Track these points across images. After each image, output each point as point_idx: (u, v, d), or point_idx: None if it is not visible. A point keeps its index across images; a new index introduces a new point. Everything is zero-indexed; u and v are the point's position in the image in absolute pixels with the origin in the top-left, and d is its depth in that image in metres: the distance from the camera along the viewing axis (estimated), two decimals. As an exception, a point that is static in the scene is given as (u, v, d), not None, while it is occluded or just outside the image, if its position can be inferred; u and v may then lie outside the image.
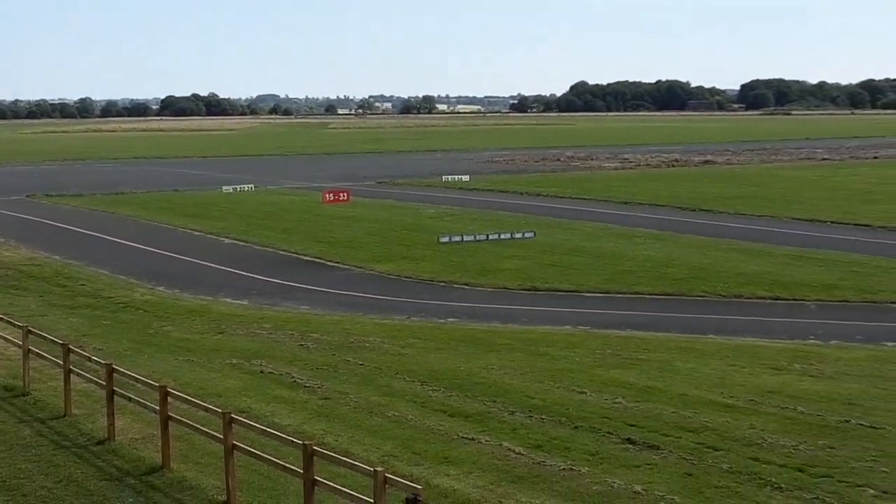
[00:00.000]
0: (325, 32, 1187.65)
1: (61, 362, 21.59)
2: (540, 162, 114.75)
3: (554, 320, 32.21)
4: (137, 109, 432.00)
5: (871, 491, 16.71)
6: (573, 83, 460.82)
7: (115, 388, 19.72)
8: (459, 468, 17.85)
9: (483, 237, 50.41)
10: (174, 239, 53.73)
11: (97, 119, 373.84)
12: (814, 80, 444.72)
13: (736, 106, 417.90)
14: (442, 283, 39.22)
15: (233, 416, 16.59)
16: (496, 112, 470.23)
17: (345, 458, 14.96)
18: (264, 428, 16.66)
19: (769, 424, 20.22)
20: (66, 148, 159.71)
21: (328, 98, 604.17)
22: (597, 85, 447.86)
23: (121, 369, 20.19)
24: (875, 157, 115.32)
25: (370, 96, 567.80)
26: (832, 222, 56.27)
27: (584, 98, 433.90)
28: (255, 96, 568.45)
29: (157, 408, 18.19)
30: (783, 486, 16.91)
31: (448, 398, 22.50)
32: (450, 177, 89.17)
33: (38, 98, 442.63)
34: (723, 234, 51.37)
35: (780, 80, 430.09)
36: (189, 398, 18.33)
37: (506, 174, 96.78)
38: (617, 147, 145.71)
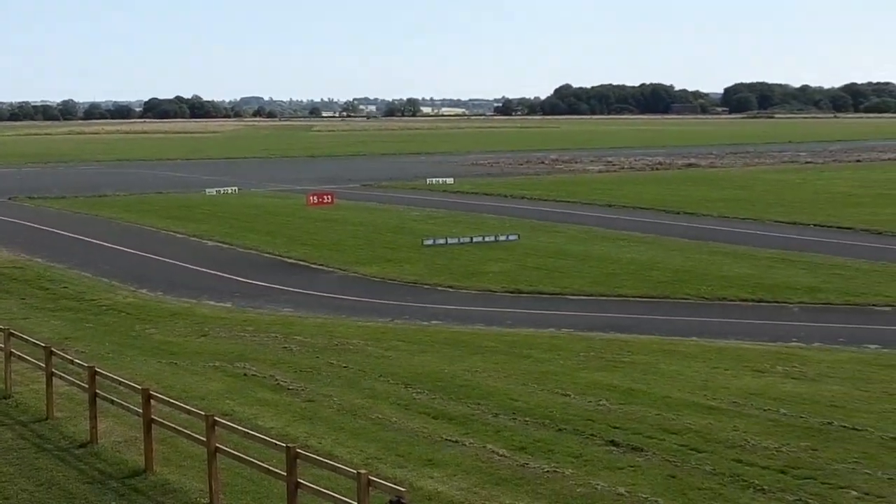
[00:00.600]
0: (309, 35, 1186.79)
1: (43, 365, 21.52)
2: (524, 165, 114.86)
3: (538, 323, 32.23)
4: (121, 112, 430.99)
5: (854, 492, 16.78)
6: (557, 86, 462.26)
7: (97, 391, 19.66)
8: (443, 470, 17.85)
9: (467, 240, 50.43)
10: (157, 241, 53.57)
11: (80, 121, 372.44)
12: (797, 84, 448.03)
13: (719, 109, 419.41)
14: (426, 286, 39.20)
15: (216, 418, 16.55)
16: (480, 115, 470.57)
17: (328, 461, 14.94)
18: (248, 430, 16.63)
19: (752, 426, 20.28)
20: (49, 150, 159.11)
21: (312, 101, 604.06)
22: (581, 88, 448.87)
23: (103, 372, 20.12)
24: (858, 161, 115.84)
25: (354, 99, 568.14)
26: (815, 225, 56.49)
27: (568, 101, 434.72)
28: (238, 99, 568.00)
29: (140, 410, 18.14)
30: (766, 487, 16.96)
31: (432, 400, 22.49)
32: (434, 179, 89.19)
33: (20, 100, 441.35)
34: (706, 237, 51.50)
35: (764, 84, 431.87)
36: (172, 401, 18.28)
37: (490, 177, 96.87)
38: (601, 150, 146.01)
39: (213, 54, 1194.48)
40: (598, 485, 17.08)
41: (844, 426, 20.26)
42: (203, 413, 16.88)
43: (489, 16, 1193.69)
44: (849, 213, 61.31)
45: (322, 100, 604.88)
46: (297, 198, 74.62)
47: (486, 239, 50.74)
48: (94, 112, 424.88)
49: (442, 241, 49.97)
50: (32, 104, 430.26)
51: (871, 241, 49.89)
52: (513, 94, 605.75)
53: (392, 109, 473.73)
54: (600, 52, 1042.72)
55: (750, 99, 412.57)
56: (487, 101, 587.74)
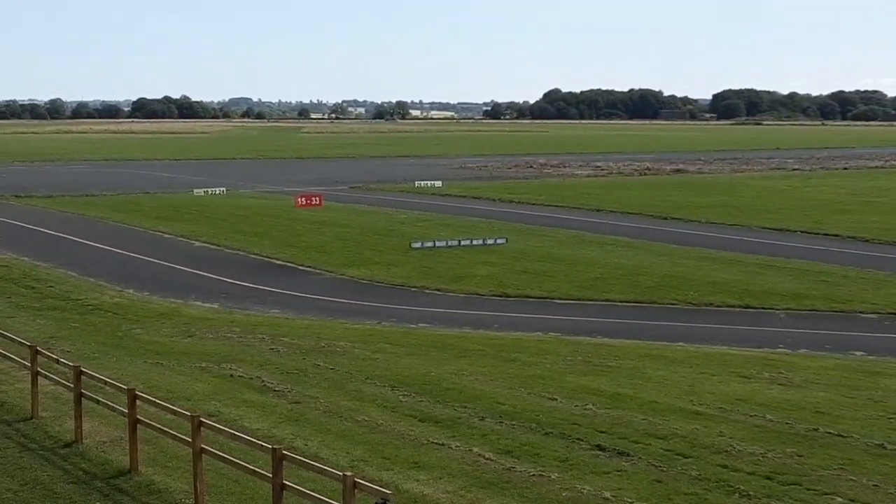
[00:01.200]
0: (299, 36, 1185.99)
1: (29, 364, 21.41)
2: (513, 169, 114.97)
3: (525, 326, 32.24)
4: (109, 111, 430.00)
5: (839, 499, 16.81)
6: (546, 90, 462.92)
7: (83, 391, 19.59)
8: (429, 473, 17.83)
9: (455, 243, 50.43)
10: (144, 241, 53.44)
11: (68, 120, 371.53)
12: (785, 91, 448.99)
13: (708, 115, 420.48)
14: (413, 289, 39.19)
15: (202, 419, 16.50)
16: (469, 118, 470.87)
17: (314, 463, 14.91)
18: (233, 432, 16.59)
19: (738, 432, 20.32)
20: (36, 149, 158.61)
21: (301, 102, 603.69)
22: (570, 93, 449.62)
23: (89, 372, 20.05)
24: (845, 168, 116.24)
25: (343, 101, 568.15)
26: (802, 232, 56.66)
27: (557, 105, 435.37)
28: (227, 99, 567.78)
29: (126, 411, 18.07)
30: (752, 493, 16.98)
31: (418, 403, 22.47)
32: (423, 182, 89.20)
33: (7, 98, 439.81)
34: (694, 243, 51.61)
35: (752, 91, 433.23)
36: (158, 401, 18.22)
37: (478, 180, 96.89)
38: (589, 155, 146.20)
39: (202, 55, 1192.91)
40: (583, 489, 17.08)
41: (830, 432, 20.31)
42: (189, 414, 16.83)
43: (479, 19, 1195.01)
44: (836, 220, 61.50)
45: (311, 101, 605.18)
46: (286, 199, 74.53)
47: (474, 242, 50.74)
48: (81, 111, 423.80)
49: (430, 243, 49.96)
50: (20, 103, 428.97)
51: (858, 249, 50.07)
52: (502, 98, 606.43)
53: (381, 112, 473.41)
54: (590, 58, 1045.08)
55: (738, 105, 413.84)
56: (476, 104, 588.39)
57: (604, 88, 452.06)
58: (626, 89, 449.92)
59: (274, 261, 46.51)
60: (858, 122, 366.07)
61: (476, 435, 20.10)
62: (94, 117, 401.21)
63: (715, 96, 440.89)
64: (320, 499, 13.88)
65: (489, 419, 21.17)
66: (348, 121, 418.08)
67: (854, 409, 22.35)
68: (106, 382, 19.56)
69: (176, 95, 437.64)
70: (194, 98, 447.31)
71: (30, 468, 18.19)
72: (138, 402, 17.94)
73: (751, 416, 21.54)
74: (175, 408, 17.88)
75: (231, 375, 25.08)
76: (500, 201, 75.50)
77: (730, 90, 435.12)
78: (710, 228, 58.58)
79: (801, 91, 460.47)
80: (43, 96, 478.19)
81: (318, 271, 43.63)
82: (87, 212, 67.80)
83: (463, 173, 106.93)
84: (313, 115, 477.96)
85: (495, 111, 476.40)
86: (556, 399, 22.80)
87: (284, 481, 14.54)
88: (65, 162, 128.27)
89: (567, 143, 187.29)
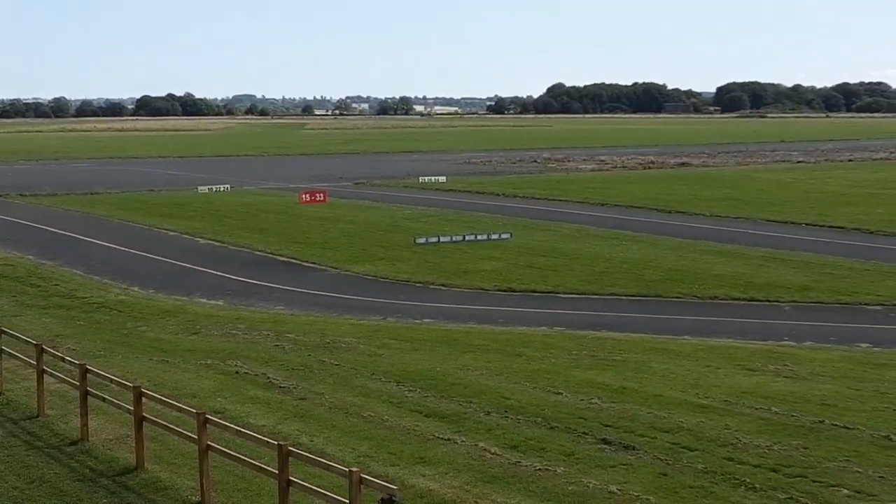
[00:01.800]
0: (302, 33, 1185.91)
1: (34, 363, 21.45)
2: (517, 163, 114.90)
3: (530, 321, 32.25)
4: (113, 109, 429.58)
5: (845, 491, 16.80)
6: (550, 85, 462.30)
7: (88, 389, 19.62)
8: (435, 468, 17.83)
9: (459, 238, 50.42)
10: (149, 239, 53.49)
11: (72, 119, 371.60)
12: (789, 84, 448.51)
13: (712, 108, 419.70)
14: (418, 284, 39.20)
15: (207, 416, 16.52)
16: (473, 113, 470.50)
17: (320, 459, 14.92)
18: (239, 428, 16.60)
19: (744, 425, 20.31)
20: (41, 147, 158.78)
21: (305, 98, 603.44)
22: (573, 87, 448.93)
23: (94, 370, 20.08)
24: (850, 160, 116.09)
25: (347, 97, 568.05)
26: (807, 224, 56.59)
27: (560, 100, 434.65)
28: (231, 96, 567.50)
29: (132, 408, 18.10)
30: (758, 486, 16.98)
31: (424, 399, 22.48)
32: (427, 178, 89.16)
33: (11, 97, 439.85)
34: (698, 236, 51.57)
35: (756, 83, 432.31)
36: (163, 399, 18.25)
37: (482, 175, 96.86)
38: (593, 149, 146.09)
39: (206, 52, 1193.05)
40: (589, 483, 17.08)
41: (835, 424, 20.30)
42: (194, 411, 16.85)
43: (481, 14, 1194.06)
44: (840, 212, 61.42)
45: (315, 98, 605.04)
46: (290, 196, 74.57)
47: (479, 237, 50.74)
48: (85, 109, 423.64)
49: (434, 239, 49.97)
50: (24, 101, 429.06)
51: (863, 241, 50.00)
52: (505, 93, 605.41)
53: (385, 108, 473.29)
54: (593, 52, 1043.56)
55: (742, 98, 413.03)
56: (480, 99, 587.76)
57: (607, 82, 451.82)
58: (629, 83, 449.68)
59: (278, 257, 46.55)
60: (863, 114, 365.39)
61: (481, 430, 20.10)
62: (98, 115, 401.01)
63: (719, 89, 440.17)
64: (326, 494, 13.90)
65: (494, 414, 21.18)
66: (352, 117, 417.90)
67: (859, 400, 22.33)
68: (111, 380, 19.58)
69: (180, 93, 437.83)
70: (198, 95, 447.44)
71: (36, 466, 18.22)
72: (144, 399, 17.96)
73: (756, 408, 21.53)
74: (180, 405, 17.90)
75: (236, 372, 25.11)
76: (505, 196, 75.48)
77: (734, 83, 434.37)
78: (715, 221, 58.54)
79: (806, 83, 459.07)
80: (47, 95, 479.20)
81: (322, 267, 43.65)
82: (92, 210, 67.87)
83: (467, 168, 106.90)
84: (317, 112, 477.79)
85: (499, 106, 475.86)
86: (562, 393, 22.80)
87: (290, 477, 14.55)
88: (69, 160, 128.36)
89: (571, 138, 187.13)
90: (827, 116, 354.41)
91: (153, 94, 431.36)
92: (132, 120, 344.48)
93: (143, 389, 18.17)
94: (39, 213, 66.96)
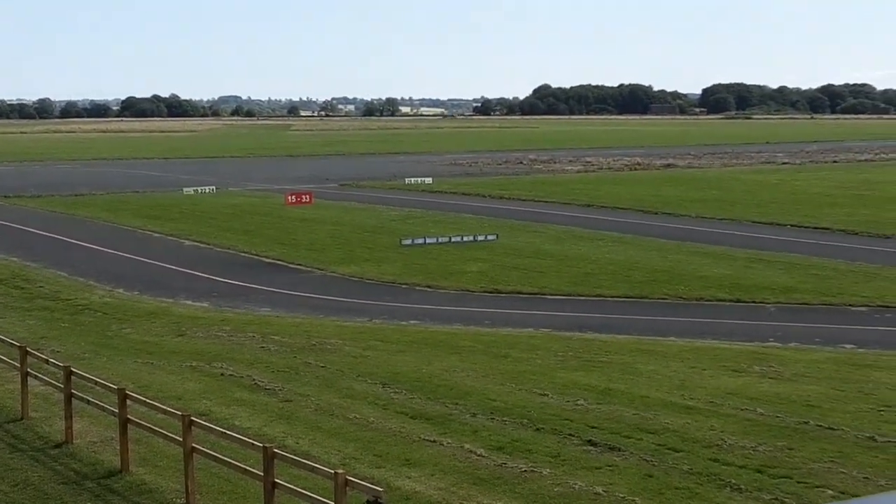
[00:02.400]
0: (288, 34, 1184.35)
1: (18, 365, 21.36)
2: (503, 165, 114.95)
3: (516, 323, 32.25)
4: (98, 110, 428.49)
5: (830, 491, 16.84)
6: (536, 86, 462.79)
7: (73, 391, 19.55)
8: (421, 470, 17.82)
9: (446, 240, 50.42)
10: (134, 241, 53.33)
11: (56, 120, 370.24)
12: (774, 85, 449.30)
13: (697, 110, 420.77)
14: (404, 286, 39.17)
15: (192, 418, 16.48)
16: (459, 115, 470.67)
17: (305, 461, 14.90)
18: (224, 430, 16.57)
19: (729, 426, 20.35)
20: (25, 149, 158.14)
21: (291, 100, 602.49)
22: (560, 88, 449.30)
23: (79, 372, 20.01)
24: (835, 162, 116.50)
25: (333, 98, 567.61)
26: (792, 226, 56.76)
27: (547, 101, 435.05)
28: (217, 97, 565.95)
29: (116, 410, 18.04)
30: (743, 487, 17.01)
31: (410, 400, 22.46)
32: (413, 179, 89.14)
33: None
34: (684, 238, 51.67)
35: (741, 85, 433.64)
36: (148, 401, 18.20)
37: (469, 177, 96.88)
38: (579, 150, 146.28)
39: (191, 53, 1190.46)
40: (575, 484, 17.10)
41: (820, 425, 20.36)
42: (179, 413, 16.81)
43: (468, 15, 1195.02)
44: (825, 213, 61.63)
45: (300, 99, 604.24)
46: (276, 197, 74.45)
47: (465, 239, 50.74)
48: (70, 111, 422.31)
49: (420, 240, 49.95)
50: (8, 103, 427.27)
51: (848, 242, 50.17)
52: (492, 94, 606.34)
53: (371, 109, 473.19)
54: (579, 53, 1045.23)
55: (728, 100, 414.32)
56: (466, 100, 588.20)
57: (593, 84, 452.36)
58: (615, 84, 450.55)
59: (264, 259, 46.46)
60: (847, 116, 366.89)
61: (467, 431, 20.10)
62: (83, 117, 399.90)
63: (704, 91, 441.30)
64: (312, 497, 13.87)
65: (481, 415, 21.17)
66: (338, 118, 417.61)
67: (844, 401, 22.40)
68: (96, 382, 19.52)
69: (165, 94, 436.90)
70: (183, 97, 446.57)
71: (20, 469, 18.15)
72: (129, 401, 17.91)
73: (742, 409, 21.58)
74: (166, 407, 17.86)
75: (222, 374, 25.05)
76: (491, 197, 75.51)
77: (719, 84, 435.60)
78: (701, 223, 58.67)
79: (791, 85, 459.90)
80: (31, 96, 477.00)
81: (308, 269, 43.59)
82: (77, 211, 67.63)
83: (453, 170, 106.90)
84: (303, 113, 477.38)
85: (485, 107, 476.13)
86: (548, 395, 22.81)
87: (276, 479, 14.53)
88: (54, 161, 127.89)
89: (557, 139, 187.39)
90: (812, 118, 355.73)
91: (138, 96, 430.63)
92: (117, 121, 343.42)
93: (127, 392, 18.12)
94: (24, 214, 66.70)
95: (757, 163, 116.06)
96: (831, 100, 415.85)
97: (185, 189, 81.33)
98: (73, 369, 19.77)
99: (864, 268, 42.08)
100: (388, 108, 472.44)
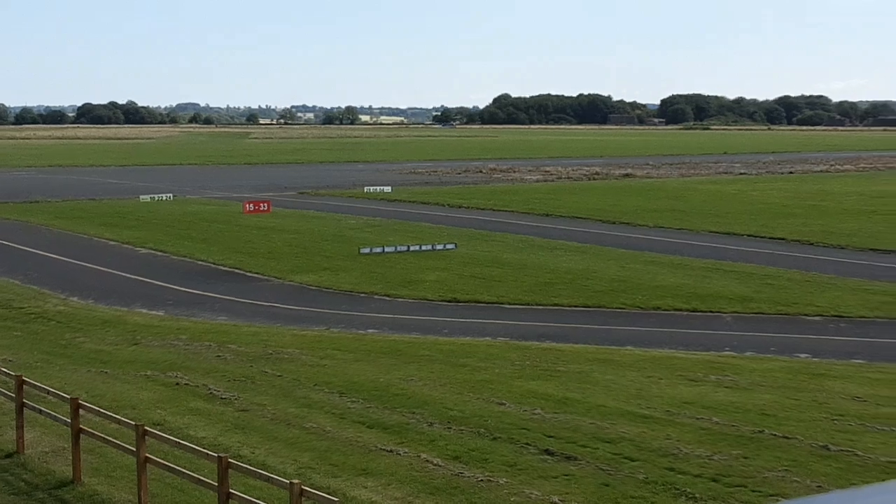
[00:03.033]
0: (247, 41, 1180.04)
1: (-31, 374, 21.06)
2: (462, 174, 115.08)
3: (474, 331, 32.24)
4: (53, 117, 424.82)
5: (784, 500, 16.94)
6: (496, 95, 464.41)
7: (24, 401, 19.31)
8: (377, 480, 17.75)
9: (404, 248, 50.35)
10: (89, 249, 52.81)
11: (11, 126, 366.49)
12: (732, 96, 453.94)
13: (656, 120, 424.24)
14: (362, 294, 39.05)
15: (146, 428, 16.32)
16: (419, 124, 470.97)
17: (261, 471, 14.79)
18: (178, 440, 16.42)
19: (685, 435, 20.44)
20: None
21: (250, 107, 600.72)
22: (520, 98, 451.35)
23: (31, 381, 19.76)
24: (791, 172, 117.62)
25: (292, 106, 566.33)
26: (748, 235, 57.21)
27: (506, 111, 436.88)
28: (174, 105, 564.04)
29: (69, 420, 17.83)
30: (698, 495, 17.08)
31: (366, 410, 22.38)
32: (372, 188, 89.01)
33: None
34: (642, 247, 51.93)
35: (699, 96, 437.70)
36: (101, 410, 18.00)
37: (428, 186, 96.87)
38: (539, 159, 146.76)
39: (149, 59, 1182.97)
40: (531, 494, 17.08)
41: (775, 434, 20.50)
42: (133, 423, 16.63)
43: (428, 24, 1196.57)
44: (781, 224, 62.19)
45: (259, 107, 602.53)
46: (233, 205, 74.05)
47: (424, 248, 50.70)
48: (25, 117, 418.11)
49: (379, 249, 49.85)
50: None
51: (803, 252, 50.64)
52: (452, 103, 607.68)
53: (330, 117, 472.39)
54: (539, 63, 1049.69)
55: (686, 110, 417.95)
56: (426, 109, 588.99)
57: (553, 93, 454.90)
58: (575, 94, 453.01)
59: (221, 267, 46.15)
60: (804, 127, 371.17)
61: (424, 441, 20.05)
62: (39, 123, 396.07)
63: (663, 101, 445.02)
64: (266, 507, 13.76)
65: (437, 425, 21.13)
66: (297, 126, 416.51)
67: (799, 410, 22.57)
68: (48, 392, 19.29)
69: (122, 100, 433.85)
70: (141, 103, 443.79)
71: (-30, 480, 17.87)
72: (81, 411, 17.71)
73: (697, 418, 21.68)
74: (119, 417, 17.67)
75: (177, 384, 24.83)
76: (450, 206, 75.52)
77: (678, 95, 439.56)
78: (658, 232, 59.00)
79: (748, 96, 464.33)
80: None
81: (265, 277, 43.35)
82: (31, 219, 66.88)
83: (412, 178, 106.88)
84: (262, 121, 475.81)
85: (445, 116, 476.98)
86: (505, 404, 22.81)
87: (231, 490, 14.40)
88: (8, 168, 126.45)
89: (516, 148, 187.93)
90: (769, 129, 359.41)
91: (95, 102, 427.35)
92: (73, 128, 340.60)
93: (80, 401, 17.91)
94: (-23, 221, 65.83)
95: (714, 173, 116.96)
96: (788, 111, 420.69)
97: (141, 196, 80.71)
98: (25, 378, 19.53)
99: (818, 278, 42.48)
100: (348, 116, 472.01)
